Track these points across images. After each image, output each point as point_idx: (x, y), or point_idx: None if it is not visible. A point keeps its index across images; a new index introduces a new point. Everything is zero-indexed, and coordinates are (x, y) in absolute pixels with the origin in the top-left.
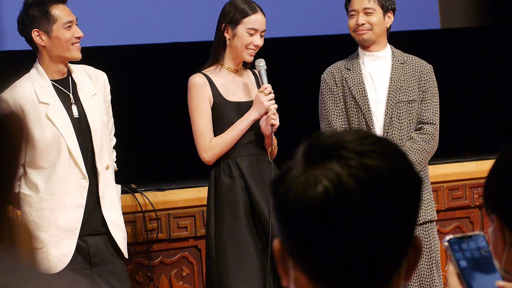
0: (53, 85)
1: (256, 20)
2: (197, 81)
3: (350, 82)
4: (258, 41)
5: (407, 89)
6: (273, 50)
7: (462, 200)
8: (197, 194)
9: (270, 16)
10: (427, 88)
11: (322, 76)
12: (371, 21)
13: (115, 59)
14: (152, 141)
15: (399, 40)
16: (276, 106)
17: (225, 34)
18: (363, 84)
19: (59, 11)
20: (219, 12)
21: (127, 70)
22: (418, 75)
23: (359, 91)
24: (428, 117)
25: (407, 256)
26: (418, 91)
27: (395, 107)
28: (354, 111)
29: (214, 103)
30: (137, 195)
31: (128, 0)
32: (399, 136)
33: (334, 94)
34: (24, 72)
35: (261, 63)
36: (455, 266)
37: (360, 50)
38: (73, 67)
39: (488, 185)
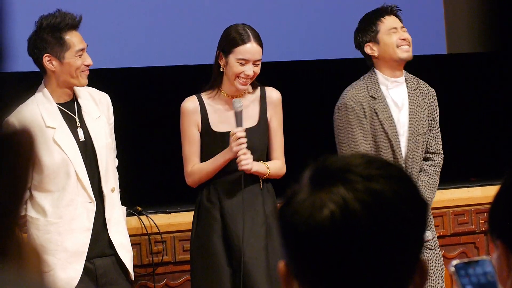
0: (59, 109)
1: (246, 50)
2: (187, 106)
3: (380, 114)
4: (250, 71)
5: (422, 121)
6: (273, 73)
7: (467, 225)
8: None
9: (273, 40)
10: (435, 117)
11: (346, 102)
12: (410, 37)
13: (119, 81)
14: (157, 163)
15: (406, 64)
16: (244, 151)
17: (219, 61)
18: (392, 118)
19: (72, 38)
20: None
21: (132, 92)
22: (428, 103)
23: (390, 125)
24: (437, 147)
25: (413, 280)
26: (428, 120)
27: (415, 141)
28: (384, 145)
29: (201, 129)
30: (143, 217)
31: (132, 23)
32: (416, 169)
33: (364, 125)
34: (31, 94)
35: (237, 104)
36: None
37: (380, 74)
38: (78, 89)
39: (493, 210)
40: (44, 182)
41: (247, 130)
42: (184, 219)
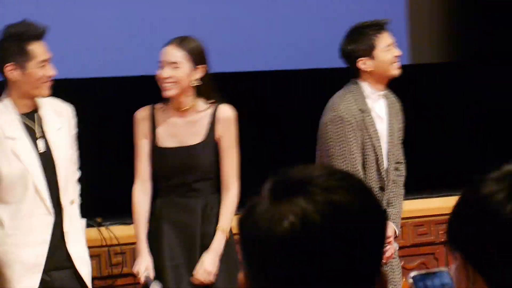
0: (20, 120)
1: (162, 52)
2: (137, 115)
3: (369, 128)
4: (165, 73)
5: (397, 132)
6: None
7: (427, 236)
8: None
9: (264, 49)
10: (401, 127)
11: (341, 115)
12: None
13: (80, 92)
14: (118, 174)
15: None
16: None
17: None
18: (377, 132)
19: (36, 49)
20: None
21: (91, 103)
22: (397, 114)
23: (376, 139)
24: (401, 157)
25: None
26: (398, 131)
27: (392, 152)
28: (370, 158)
29: (150, 143)
30: (102, 229)
31: (97, 32)
32: (394, 177)
33: (358, 138)
34: None
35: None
36: None
37: (366, 87)
38: (39, 100)
39: (451, 221)
40: (1, 193)
41: (191, 146)
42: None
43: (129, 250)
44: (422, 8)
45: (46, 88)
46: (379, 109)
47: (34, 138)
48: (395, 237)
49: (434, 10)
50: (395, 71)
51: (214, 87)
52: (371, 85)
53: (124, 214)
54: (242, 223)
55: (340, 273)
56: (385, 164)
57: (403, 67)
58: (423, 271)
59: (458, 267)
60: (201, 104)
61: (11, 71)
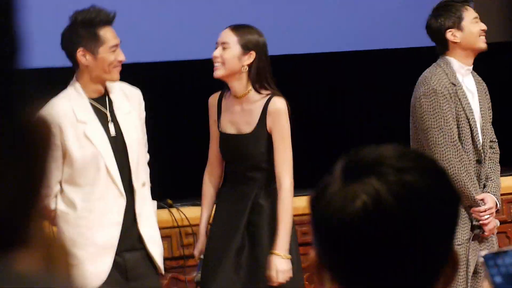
0: (91, 104)
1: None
2: (209, 101)
3: (463, 101)
4: (216, 52)
5: (489, 109)
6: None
7: (499, 215)
8: None
9: (291, 32)
10: (490, 106)
11: (434, 88)
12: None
13: (148, 76)
14: (188, 155)
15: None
16: None
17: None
18: (470, 105)
19: (107, 33)
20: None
21: (162, 87)
22: (486, 93)
23: (470, 112)
24: (493, 136)
25: (445, 271)
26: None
27: (486, 129)
28: (465, 131)
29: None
30: (173, 210)
31: (167, 17)
32: (490, 155)
33: (453, 111)
34: (54, 90)
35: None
36: (490, 282)
37: (455, 61)
38: (109, 85)
39: None
40: (74, 176)
41: (244, 135)
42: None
43: None
44: None
45: (116, 73)
46: (469, 84)
47: (105, 122)
48: (497, 210)
49: None
50: (482, 44)
51: (269, 78)
52: (459, 60)
53: (195, 195)
54: (313, 203)
55: (412, 253)
56: (480, 138)
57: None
58: (494, 250)
59: None
60: (254, 93)
61: (83, 56)
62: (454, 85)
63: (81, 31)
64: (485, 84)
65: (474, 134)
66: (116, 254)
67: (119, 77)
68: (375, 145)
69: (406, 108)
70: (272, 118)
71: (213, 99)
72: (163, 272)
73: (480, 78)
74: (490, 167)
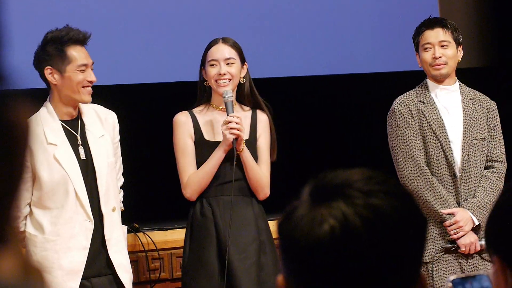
0: (62, 126)
1: (213, 51)
2: (178, 118)
3: (428, 116)
4: (222, 69)
5: (479, 127)
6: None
7: None
8: None
9: (284, 55)
10: (494, 126)
11: (395, 107)
12: (447, 54)
13: (116, 98)
14: (155, 180)
15: (464, 76)
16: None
17: (204, 77)
18: (442, 120)
19: (75, 52)
20: None
21: (132, 110)
22: (486, 112)
23: (439, 126)
24: (498, 155)
25: None
26: (487, 129)
27: (471, 145)
28: (433, 146)
29: (195, 141)
30: (140, 234)
31: (138, 40)
32: (474, 174)
33: (412, 127)
34: (36, 110)
35: (227, 95)
36: None
37: (430, 82)
38: (83, 107)
39: (489, 226)
40: (43, 199)
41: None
42: (180, 236)
43: (166, 255)
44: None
45: (86, 94)
46: (445, 101)
47: (75, 145)
48: (474, 227)
49: (465, 17)
50: (433, 71)
51: (254, 90)
52: (432, 80)
53: (162, 219)
54: (281, 227)
55: (380, 275)
56: (456, 156)
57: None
58: (462, 275)
59: (496, 271)
60: (239, 106)
61: (51, 75)
62: (423, 102)
63: (49, 49)
64: (490, 105)
65: (445, 149)
66: (83, 278)
67: (90, 99)
68: (342, 169)
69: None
70: (262, 126)
71: (184, 115)
72: None
73: (484, 99)
74: (482, 185)
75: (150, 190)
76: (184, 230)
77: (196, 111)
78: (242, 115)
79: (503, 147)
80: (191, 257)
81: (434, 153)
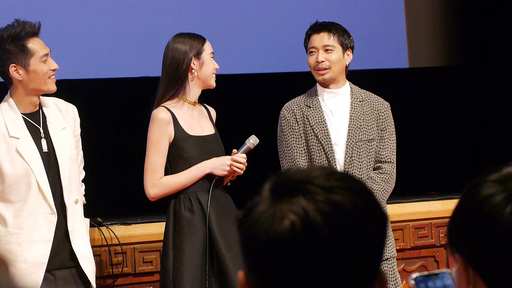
0: (24, 119)
1: (209, 44)
2: (162, 116)
3: (311, 120)
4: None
5: (366, 128)
6: (229, 86)
7: (427, 239)
8: (163, 229)
9: (229, 52)
10: (385, 127)
11: (281, 112)
12: (331, 58)
13: (79, 92)
14: (118, 174)
15: (367, 78)
16: (240, 172)
17: (192, 66)
18: (325, 123)
19: (35, 45)
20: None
21: (94, 104)
22: (376, 114)
23: (321, 129)
24: (386, 156)
25: None
26: (377, 130)
27: (355, 146)
28: (316, 149)
29: (176, 138)
30: (103, 228)
31: (100, 33)
32: (359, 175)
33: (296, 132)
34: None
35: (251, 140)
36: None
37: (318, 86)
38: (44, 100)
39: (451, 224)
40: (5, 192)
41: (208, 136)
42: (144, 230)
43: (129, 250)
44: (420, 18)
45: (52, 83)
46: (332, 105)
47: (38, 138)
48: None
49: (431, 18)
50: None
51: None
52: (321, 84)
53: (125, 214)
54: (242, 223)
55: (340, 272)
56: (339, 157)
57: (401, 71)
58: (425, 273)
59: (459, 269)
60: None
61: (16, 72)
62: (309, 107)
63: (9, 47)
64: (382, 106)
65: (327, 151)
66: (47, 271)
67: (56, 88)
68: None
69: None
70: (213, 120)
71: (166, 114)
72: None
73: (376, 100)
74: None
75: (113, 185)
76: (148, 225)
77: (171, 106)
78: (200, 110)
79: (393, 147)
80: (177, 254)
81: (317, 156)
